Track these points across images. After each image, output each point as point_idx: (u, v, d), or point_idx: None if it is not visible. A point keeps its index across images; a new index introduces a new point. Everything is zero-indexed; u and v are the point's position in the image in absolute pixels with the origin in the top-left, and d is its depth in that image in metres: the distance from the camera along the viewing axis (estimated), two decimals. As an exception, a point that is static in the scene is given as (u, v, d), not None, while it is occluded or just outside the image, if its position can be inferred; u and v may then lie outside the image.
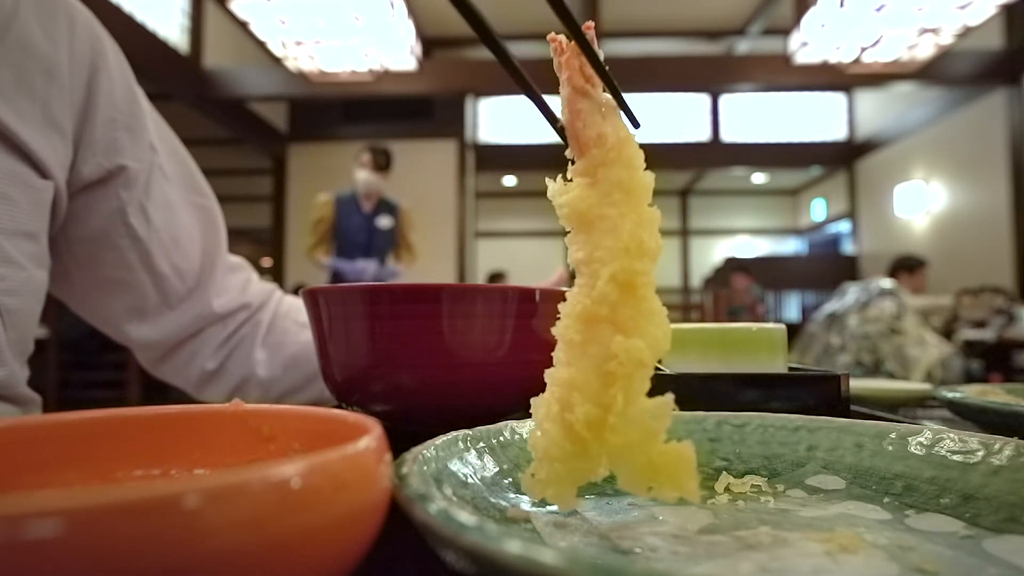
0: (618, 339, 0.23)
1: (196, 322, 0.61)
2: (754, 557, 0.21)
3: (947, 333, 3.89)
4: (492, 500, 0.26)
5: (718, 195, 8.70)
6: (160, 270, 0.57)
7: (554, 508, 0.27)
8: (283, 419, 0.25)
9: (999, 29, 4.91)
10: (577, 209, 0.25)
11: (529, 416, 0.31)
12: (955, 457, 0.27)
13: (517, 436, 0.31)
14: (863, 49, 3.86)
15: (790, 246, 8.80)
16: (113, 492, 0.12)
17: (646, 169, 0.26)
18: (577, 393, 0.23)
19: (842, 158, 7.04)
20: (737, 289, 5.10)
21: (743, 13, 6.55)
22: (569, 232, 0.26)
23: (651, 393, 0.41)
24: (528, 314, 0.41)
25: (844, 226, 7.54)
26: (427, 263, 3.93)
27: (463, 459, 0.27)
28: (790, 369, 0.48)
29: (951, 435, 0.28)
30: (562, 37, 0.27)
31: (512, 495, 0.27)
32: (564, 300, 0.43)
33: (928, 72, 4.52)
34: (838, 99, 7.14)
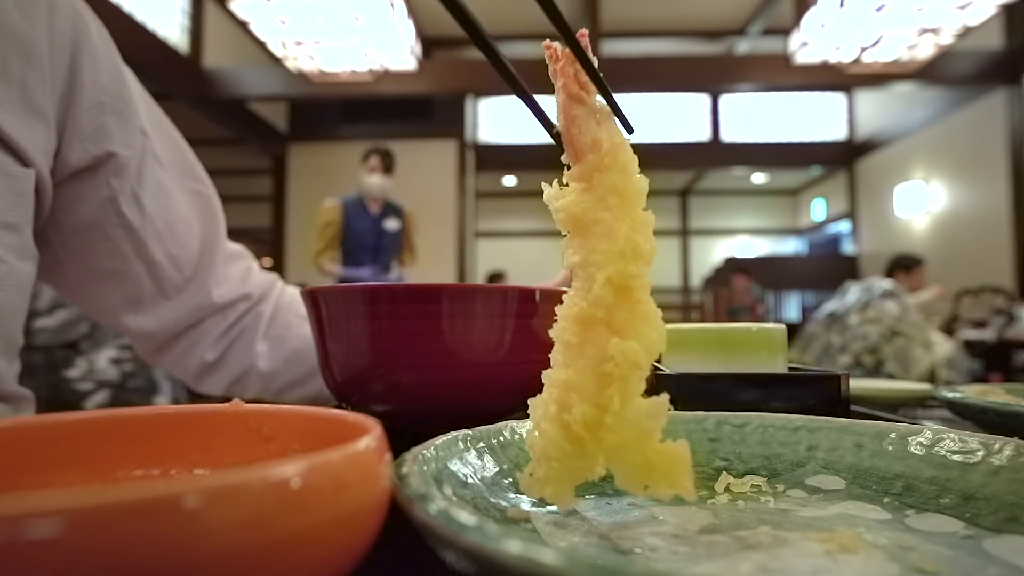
0: (614, 341, 0.23)
1: (195, 313, 0.60)
2: (754, 557, 0.21)
3: (947, 333, 3.89)
4: (492, 500, 0.26)
5: (718, 195, 8.70)
6: (156, 260, 0.55)
7: (554, 508, 0.27)
8: (283, 419, 0.25)
9: (999, 29, 4.91)
10: (573, 214, 0.26)
11: (529, 416, 0.31)
12: (955, 457, 0.27)
13: (517, 436, 0.31)
14: (863, 49, 3.86)
15: (790, 246, 8.80)
16: (113, 492, 0.12)
17: (641, 172, 0.27)
18: (574, 394, 0.24)
19: (842, 158, 7.04)
20: (737, 289, 5.10)
21: (743, 13, 6.55)
22: (565, 236, 0.26)
23: (650, 393, 0.41)
24: (528, 314, 0.41)
25: (844, 226, 7.54)
26: (427, 263, 3.93)
27: (463, 459, 0.27)
28: (790, 369, 0.48)
29: (951, 435, 0.28)
30: (557, 44, 0.28)
31: (512, 495, 0.27)
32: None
33: (928, 72, 4.52)
34: (838, 99, 7.15)
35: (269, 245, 6.36)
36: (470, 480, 0.26)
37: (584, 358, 0.24)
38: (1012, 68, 4.78)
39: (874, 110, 6.73)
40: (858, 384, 0.78)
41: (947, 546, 0.22)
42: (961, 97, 5.26)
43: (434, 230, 5.77)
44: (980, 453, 0.27)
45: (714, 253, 8.33)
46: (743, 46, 6.85)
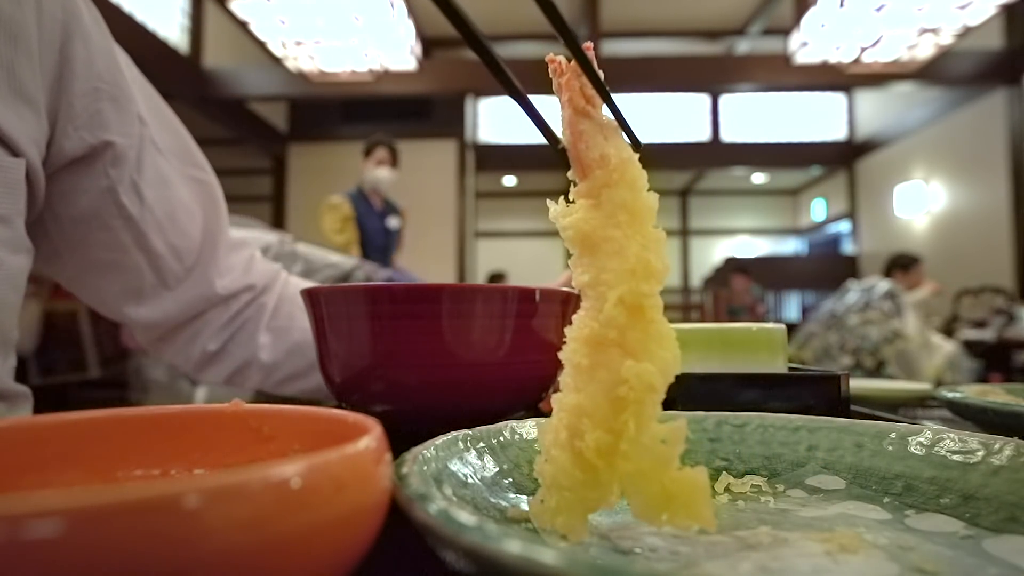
0: (628, 363, 0.22)
1: (198, 303, 0.59)
2: (754, 557, 0.21)
3: (947, 333, 3.89)
4: (492, 500, 0.26)
5: (718, 195, 8.69)
6: (156, 250, 0.54)
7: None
8: (283, 419, 0.25)
9: (999, 29, 4.91)
10: (582, 231, 0.25)
11: (529, 416, 0.31)
12: (955, 457, 0.27)
13: (517, 436, 0.31)
14: (863, 49, 3.86)
15: (790, 246, 8.80)
16: (113, 492, 0.12)
17: (647, 184, 0.26)
18: (587, 419, 0.23)
19: (842, 158, 7.04)
20: (737, 289, 5.10)
21: (743, 13, 6.55)
22: (573, 255, 0.25)
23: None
24: (528, 314, 0.41)
25: (844, 226, 7.54)
26: (427, 263, 3.93)
27: (463, 459, 0.27)
28: (790, 369, 0.48)
29: (951, 435, 0.28)
30: (561, 58, 0.27)
31: (512, 495, 0.27)
32: (563, 301, 0.43)
33: (928, 72, 4.52)
34: (838, 99, 7.14)
35: (269, 245, 6.35)
36: (470, 480, 0.26)
37: (596, 382, 0.23)
38: (1012, 68, 4.78)
39: (874, 110, 6.73)
40: (858, 384, 0.78)
41: (947, 546, 0.22)
42: (961, 97, 5.26)
43: (434, 230, 5.77)
44: (980, 453, 0.27)
45: (714, 253, 8.32)
46: (743, 46, 6.85)
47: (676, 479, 0.22)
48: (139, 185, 0.52)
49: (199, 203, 0.58)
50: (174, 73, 4.54)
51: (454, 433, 0.28)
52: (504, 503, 0.26)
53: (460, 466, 0.27)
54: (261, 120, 5.87)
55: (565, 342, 0.25)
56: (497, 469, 0.28)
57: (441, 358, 0.40)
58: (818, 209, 8.11)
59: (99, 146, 0.49)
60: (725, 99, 6.92)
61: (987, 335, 3.81)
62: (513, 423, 0.32)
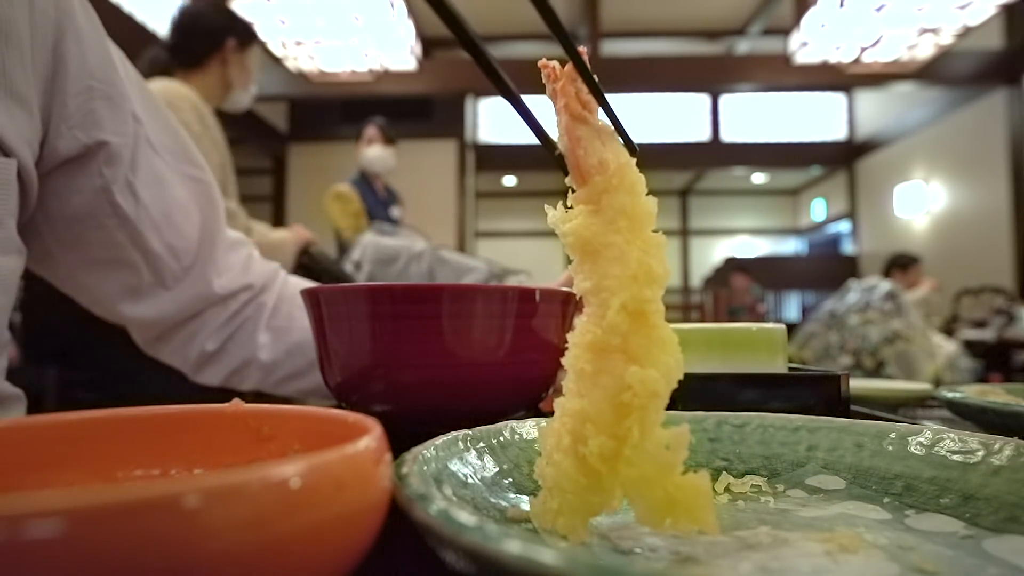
0: (632, 369, 0.22)
1: (196, 303, 0.58)
2: (754, 557, 0.21)
3: (947, 333, 3.89)
4: (492, 500, 0.26)
5: (718, 195, 8.70)
6: (153, 250, 0.53)
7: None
8: (283, 419, 0.25)
9: (999, 29, 4.91)
10: (582, 237, 0.25)
11: (529, 416, 0.31)
12: (955, 457, 0.27)
13: (517, 436, 0.31)
14: (863, 49, 3.86)
15: (790, 246, 8.80)
16: (113, 492, 0.12)
17: (641, 172, 0.26)
18: (590, 425, 0.23)
19: (842, 158, 7.04)
20: (737, 289, 5.10)
21: (743, 13, 6.55)
22: (574, 260, 0.25)
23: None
24: (528, 314, 0.41)
25: (844, 226, 7.54)
26: (427, 263, 3.92)
27: (463, 459, 0.27)
28: (790, 369, 0.48)
29: (951, 435, 0.28)
30: (554, 63, 0.27)
31: (512, 495, 0.27)
32: (564, 302, 0.43)
33: (928, 72, 4.52)
34: (838, 99, 7.14)
35: (269, 245, 6.36)
36: (470, 480, 0.26)
37: (599, 388, 0.23)
38: (1012, 68, 4.78)
39: (874, 110, 6.73)
40: (858, 384, 0.78)
41: (947, 546, 0.22)
42: (961, 97, 5.26)
43: (434, 230, 5.76)
44: (980, 453, 0.27)
45: (714, 253, 8.33)
46: (743, 46, 6.85)
47: (679, 485, 0.22)
48: (134, 184, 0.51)
49: (196, 202, 0.57)
50: (174, 73, 4.54)
51: (454, 433, 0.28)
52: (504, 503, 0.26)
53: (460, 466, 0.27)
54: (261, 120, 5.87)
55: (567, 347, 0.25)
56: (497, 469, 0.28)
57: (441, 358, 0.40)
58: (818, 209, 8.12)
59: (93, 145, 0.48)
60: (725, 99, 6.93)
61: (987, 335, 3.81)
62: (513, 423, 0.32)
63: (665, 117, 7.03)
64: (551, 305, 0.43)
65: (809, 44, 3.89)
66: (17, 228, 0.45)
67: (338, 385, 0.44)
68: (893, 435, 0.30)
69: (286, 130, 6.42)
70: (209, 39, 1.55)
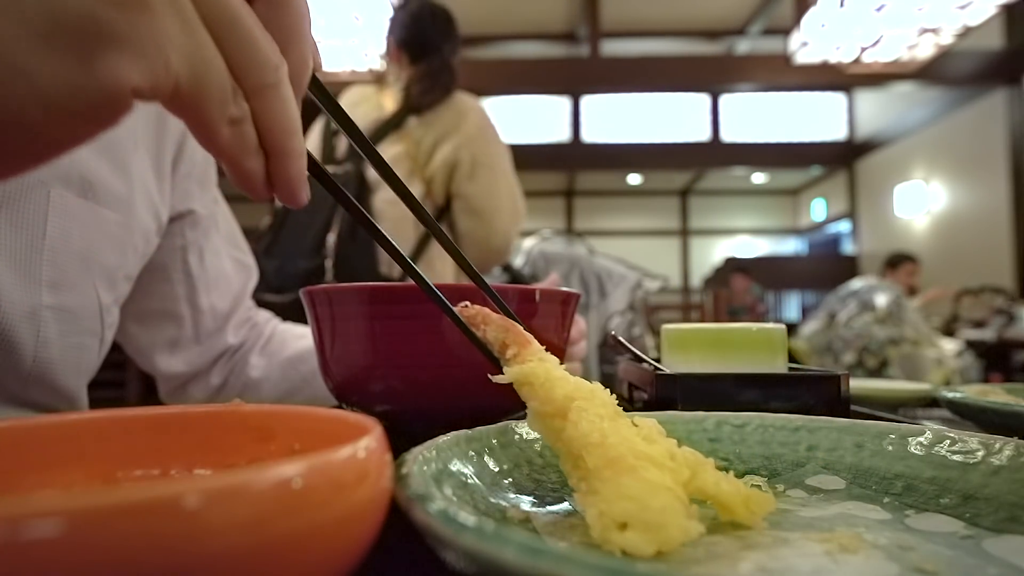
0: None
1: (215, 354, 0.66)
2: (754, 557, 0.21)
3: (947, 333, 3.89)
4: (492, 500, 0.26)
5: (718, 195, 8.70)
6: (200, 306, 0.62)
7: (554, 508, 0.27)
8: (283, 419, 0.25)
9: (999, 29, 4.91)
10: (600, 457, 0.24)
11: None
12: (955, 457, 0.27)
13: (517, 436, 0.31)
14: (863, 49, 3.86)
15: (790, 246, 8.81)
16: (113, 492, 0.12)
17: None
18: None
19: (842, 158, 7.05)
20: (737, 289, 5.10)
21: (743, 13, 6.56)
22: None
23: (654, 391, 0.41)
24: (528, 314, 0.41)
25: (844, 226, 7.54)
26: (427, 263, 3.92)
27: (463, 459, 0.27)
28: (790, 369, 0.48)
29: (951, 435, 0.28)
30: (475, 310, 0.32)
31: (512, 495, 0.27)
32: (563, 302, 0.43)
33: (928, 72, 4.52)
34: (838, 99, 7.15)
35: (269, 245, 6.36)
36: (470, 480, 0.26)
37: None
38: (1012, 68, 4.78)
39: (874, 110, 6.73)
40: (858, 384, 0.78)
41: (947, 546, 0.22)
42: (961, 97, 5.26)
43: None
44: (980, 453, 0.27)
45: (714, 253, 8.33)
46: (743, 46, 6.85)
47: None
48: (204, 250, 0.62)
49: (237, 276, 0.67)
50: (174, 73, 4.54)
51: (454, 433, 0.28)
52: (504, 503, 0.26)
53: (460, 466, 0.27)
54: (261, 120, 5.86)
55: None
56: (497, 469, 0.28)
57: (441, 358, 0.40)
58: (818, 209, 8.12)
59: (184, 212, 0.59)
60: (725, 99, 6.93)
61: (987, 335, 3.81)
62: (513, 423, 0.32)
63: (665, 117, 7.04)
64: (551, 305, 0.43)
65: (809, 44, 3.89)
66: None
67: (338, 385, 0.44)
68: (893, 435, 0.30)
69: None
70: None
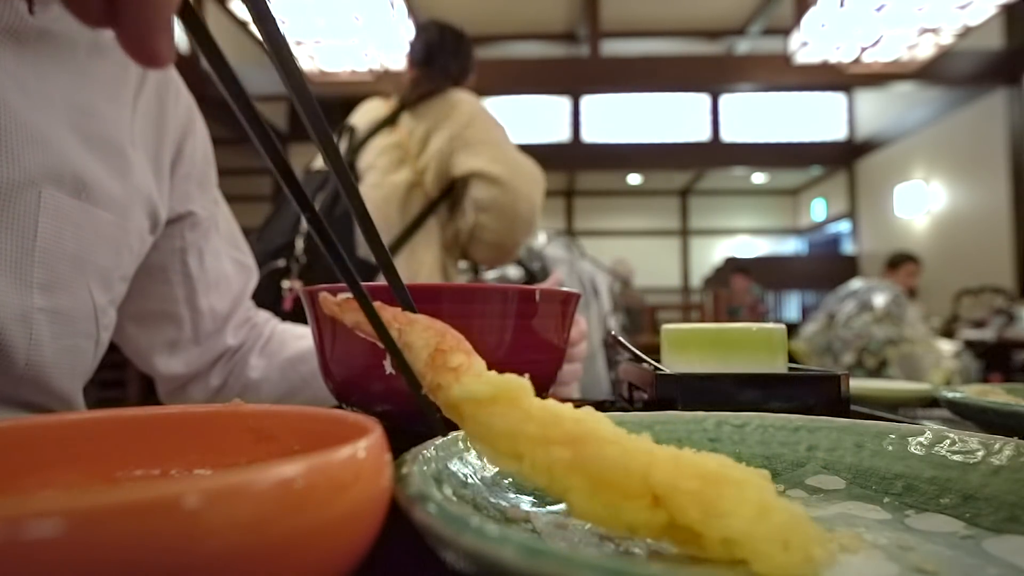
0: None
1: (214, 355, 0.66)
2: (754, 557, 0.21)
3: (947, 333, 3.89)
4: (492, 500, 0.26)
5: (718, 195, 8.70)
6: (200, 308, 0.62)
7: (554, 508, 0.27)
8: (283, 419, 0.25)
9: (999, 29, 4.91)
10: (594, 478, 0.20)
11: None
12: (955, 457, 0.27)
13: (517, 436, 0.31)
14: (863, 49, 3.86)
15: (790, 246, 8.81)
16: (113, 492, 0.12)
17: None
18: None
19: (842, 158, 7.05)
20: (737, 289, 5.11)
21: (743, 13, 6.56)
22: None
23: (654, 391, 0.41)
24: (528, 314, 0.41)
25: (844, 226, 7.54)
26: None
27: (463, 459, 0.27)
28: (790, 369, 0.48)
29: (951, 435, 0.28)
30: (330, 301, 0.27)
31: (512, 495, 0.27)
32: (563, 302, 0.43)
33: (928, 72, 4.52)
34: (838, 99, 7.15)
35: (269, 245, 6.36)
36: (470, 480, 0.26)
37: None
38: (1012, 68, 4.79)
39: (874, 110, 6.73)
40: (858, 384, 0.78)
41: (947, 546, 0.22)
42: (961, 97, 5.26)
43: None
44: (980, 453, 0.27)
45: (714, 253, 8.33)
46: (743, 46, 6.85)
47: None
48: (203, 251, 0.62)
49: (236, 277, 0.67)
50: (174, 73, 4.54)
51: (454, 433, 0.28)
52: (504, 503, 0.26)
53: (460, 466, 0.27)
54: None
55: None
56: (497, 469, 0.28)
57: (441, 358, 0.39)
58: (818, 209, 8.12)
59: (184, 214, 0.59)
60: (725, 99, 6.93)
61: (987, 335, 3.81)
62: (513, 423, 0.32)
63: (665, 117, 7.04)
64: (551, 305, 0.43)
65: (809, 44, 3.89)
66: None
67: (338, 385, 0.44)
68: (893, 435, 0.30)
69: (286, 130, 6.42)
70: None
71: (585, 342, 0.69)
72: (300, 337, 0.70)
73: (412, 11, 3.86)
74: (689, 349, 0.49)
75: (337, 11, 3.45)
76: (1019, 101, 4.78)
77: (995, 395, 0.50)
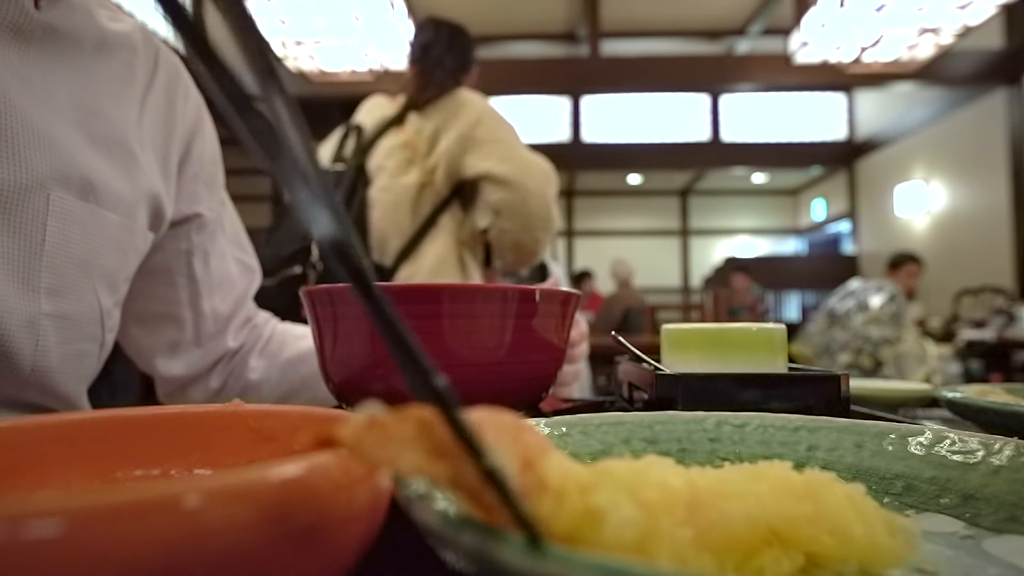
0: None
1: (215, 357, 0.66)
2: (754, 557, 0.21)
3: (947, 333, 3.89)
4: (492, 500, 0.26)
5: (718, 195, 8.70)
6: (202, 310, 0.62)
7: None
8: (283, 419, 0.25)
9: (999, 29, 4.91)
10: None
11: (529, 416, 0.31)
12: (955, 457, 0.27)
13: (517, 436, 0.31)
14: (863, 49, 3.86)
15: (790, 246, 8.81)
16: (113, 492, 0.12)
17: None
18: None
19: (842, 158, 7.05)
20: (737, 289, 5.10)
21: (743, 13, 6.55)
22: None
23: (654, 391, 0.41)
24: (528, 314, 0.41)
25: (844, 226, 7.54)
26: (427, 263, 3.93)
27: (463, 459, 0.27)
28: (790, 369, 0.48)
29: (951, 435, 0.28)
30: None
31: (512, 495, 0.27)
32: (563, 302, 0.43)
33: (928, 72, 4.53)
34: (838, 99, 7.15)
35: (269, 245, 6.37)
36: (470, 480, 0.26)
37: None
38: (1012, 68, 4.78)
39: (874, 110, 6.73)
40: (858, 384, 0.78)
41: (947, 546, 0.22)
42: (961, 97, 5.26)
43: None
44: (980, 453, 0.27)
45: (714, 253, 8.33)
46: (743, 46, 6.85)
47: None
48: (209, 253, 0.61)
49: (240, 279, 0.67)
50: (174, 73, 4.55)
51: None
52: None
53: (460, 466, 0.27)
54: (261, 120, 5.87)
55: None
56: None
57: (441, 358, 0.40)
58: (818, 209, 8.12)
59: (191, 215, 0.59)
60: (725, 99, 6.93)
61: (987, 335, 3.81)
62: (513, 423, 0.32)
63: (665, 117, 7.04)
64: (551, 305, 0.43)
65: (809, 44, 3.90)
66: None
67: (338, 385, 0.44)
68: (893, 435, 0.30)
69: (286, 130, 6.42)
70: None
71: (585, 343, 0.69)
72: (300, 337, 0.69)
73: (412, 11, 3.86)
74: (689, 349, 0.49)
75: (337, 11, 3.46)
76: (1019, 101, 4.78)
77: (995, 395, 0.50)
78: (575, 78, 5.49)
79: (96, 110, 0.46)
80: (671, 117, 7.02)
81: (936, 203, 5.65)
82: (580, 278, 5.75)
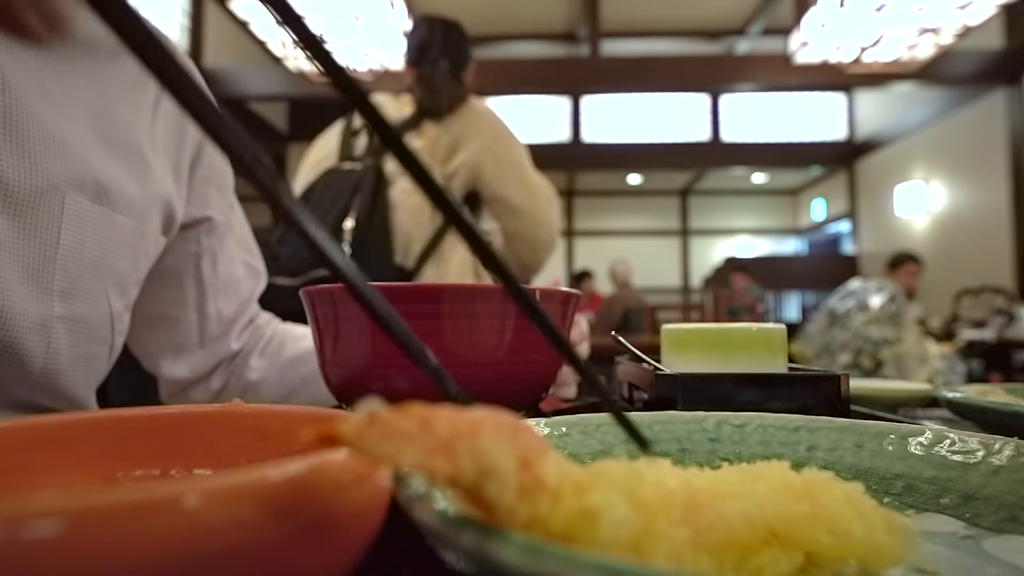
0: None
1: (217, 359, 0.66)
2: (754, 557, 0.21)
3: (947, 333, 3.89)
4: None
5: (718, 195, 8.70)
6: (208, 312, 0.62)
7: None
8: (283, 419, 0.25)
9: (999, 29, 4.91)
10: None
11: (529, 416, 0.31)
12: (955, 457, 0.27)
13: (517, 436, 0.31)
14: (863, 49, 3.86)
15: (790, 246, 8.81)
16: (113, 492, 0.12)
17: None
18: None
19: (842, 158, 7.05)
20: (737, 289, 5.10)
21: (743, 13, 6.55)
22: None
23: (654, 391, 0.41)
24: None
25: (844, 226, 7.54)
26: (427, 263, 3.92)
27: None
28: (790, 369, 0.48)
29: (951, 435, 0.28)
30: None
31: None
32: (563, 301, 0.43)
33: (928, 72, 4.53)
34: (838, 99, 7.15)
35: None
36: (470, 480, 0.26)
37: None
38: (1012, 68, 4.78)
39: (874, 110, 6.73)
40: (858, 384, 0.78)
41: (947, 546, 0.22)
42: (961, 97, 5.26)
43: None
44: (980, 453, 0.27)
45: (714, 253, 8.33)
46: (743, 46, 6.85)
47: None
48: (217, 256, 0.61)
49: (247, 283, 0.67)
50: (174, 73, 4.54)
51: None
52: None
53: (460, 466, 0.27)
54: (261, 120, 5.87)
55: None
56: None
57: (441, 358, 0.39)
58: (818, 209, 8.12)
59: (201, 218, 0.59)
60: (725, 99, 6.93)
61: (987, 335, 3.81)
62: (513, 423, 0.32)
63: (665, 117, 7.04)
64: (551, 305, 0.43)
65: (809, 44, 3.90)
66: None
67: (338, 385, 0.44)
68: (893, 435, 0.30)
69: (286, 130, 6.42)
70: None
71: (586, 343, 0.69)
72: (300, 338, 0.69)
73: (412, 11, 3.86)
74: (689, 349, 0.49)
75: (337, 11, 3.46)
76: (1019, 101, 4.78)
77: (995, 395, 0.50)
78: (575, 78, 5.49)
79: (110, 115, 0.47)
80: (671, 117, 7.02)
81: (936, 203, 5.65)
82: (580, 278, 5.75)
